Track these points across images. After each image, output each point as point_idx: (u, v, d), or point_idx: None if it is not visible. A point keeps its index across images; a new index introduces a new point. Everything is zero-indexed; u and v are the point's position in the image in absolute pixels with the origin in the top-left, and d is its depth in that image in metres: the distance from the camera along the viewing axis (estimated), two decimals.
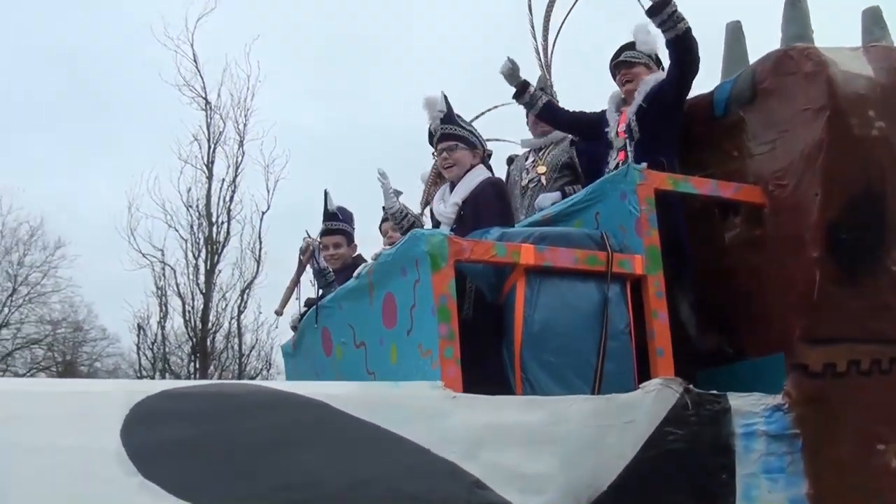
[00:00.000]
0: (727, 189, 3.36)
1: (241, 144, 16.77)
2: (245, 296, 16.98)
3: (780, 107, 3.34)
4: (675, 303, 3.47)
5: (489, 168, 3.84)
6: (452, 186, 3.60)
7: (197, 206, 16.84)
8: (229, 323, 17.36)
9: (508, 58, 4.08)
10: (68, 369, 20.56)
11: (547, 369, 2.84)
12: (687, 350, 3.43)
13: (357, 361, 3.29)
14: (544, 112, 4.12)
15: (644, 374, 3.03)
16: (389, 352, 3.01)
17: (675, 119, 3.61)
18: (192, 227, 16.82)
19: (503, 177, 4.40)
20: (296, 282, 3.67)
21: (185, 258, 16.78)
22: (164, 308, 17.09)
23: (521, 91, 4.13)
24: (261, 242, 17.03)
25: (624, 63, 3.84)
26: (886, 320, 3.23)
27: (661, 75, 3.73)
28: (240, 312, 17.05)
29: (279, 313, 3.93)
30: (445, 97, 3.60)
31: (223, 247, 17.11)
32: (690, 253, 3.55)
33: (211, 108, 16.48)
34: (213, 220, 16.87)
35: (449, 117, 3.57)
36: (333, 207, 4.27)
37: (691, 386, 2.97)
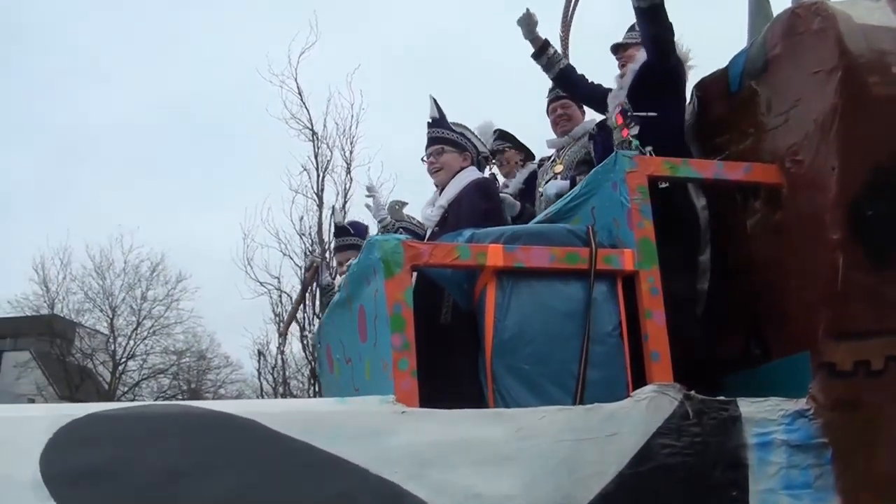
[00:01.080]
0: (735, 171, 3.01)
1: (348, 171, 17.23)
2: None
3: (792, 73, 2.98)
4: (693, 302, 3.16)
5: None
6: (443, 191, 3.43)
7: (309, 234, 17.40)
8: None
9: (528, 9, 3.71)
10: (194, 397, 21.68)
11: (520, 379, 2.60)
12: (709, 354, 3.11)
13: (347, 378, 3.16)
14: (561, 78, 3.82)
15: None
16: (365, 367, 2.87)
17: (672, 96, 3.29)
18: (305, 253, 17.43)
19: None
20: (300, 301, 3.57)
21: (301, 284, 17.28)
22: None
23: (541, 51, 3.80)
24: None
25: (619, 46, 3.59)
26: None
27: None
28: None
29: (282, 334, 3.89)
30: (435, 101, 3.45)
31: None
32: (711, 245, 3.23)
33: (318, 138, 16.98)
34: (326, 246, 17.39)
35: (437, 121, 3.42)
36: (341, 222, 4.19)
37: (693, 392, 2.66)
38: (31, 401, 18.67)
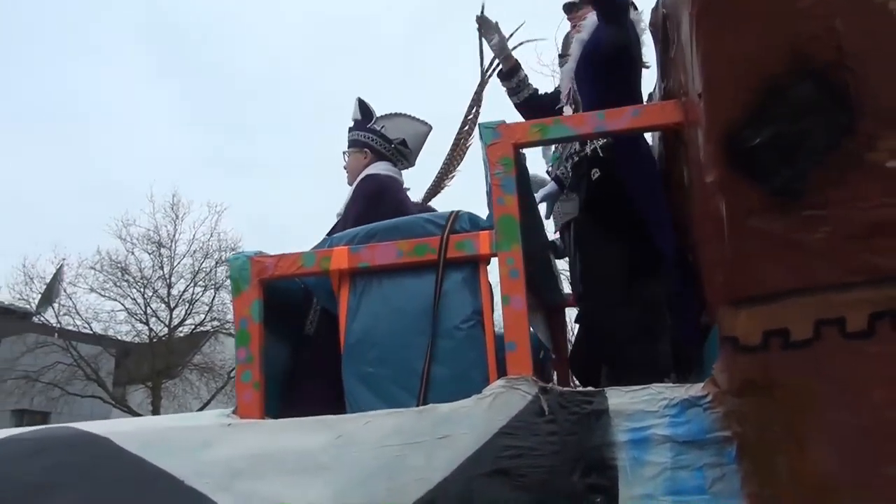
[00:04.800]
0: (619, 118, 2.53)
1: None
2: None
3: None
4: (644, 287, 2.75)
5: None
6: None
7: None
8: None
9: (478, 15, 3.40)
10: None
11: (366, 383, 2.50)
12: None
13: None
14: (528, 102, 3.49)
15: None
16: None
17: (622, 71, 2.84)
18: None
19: None
20: None
21: None
22: None
23: (512, 72, 3.51)
24: None
25: (572, 5, 3.17)
26: (887, 248, 2.06)
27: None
28: None
29: None
30: (360, 102, 3.41)
31: None
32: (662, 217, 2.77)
33: None
34: None
35: (355, 124, 3.40)
36: None
37: (553, 385, 2.32)
38: None
